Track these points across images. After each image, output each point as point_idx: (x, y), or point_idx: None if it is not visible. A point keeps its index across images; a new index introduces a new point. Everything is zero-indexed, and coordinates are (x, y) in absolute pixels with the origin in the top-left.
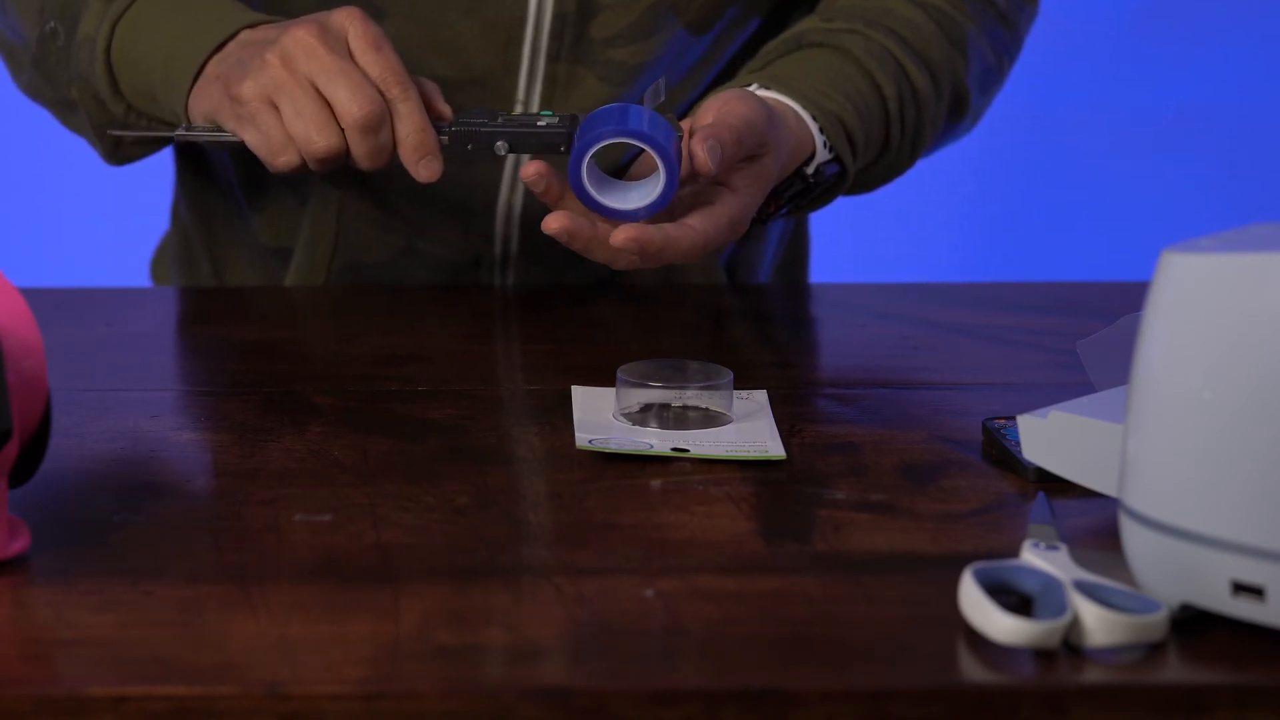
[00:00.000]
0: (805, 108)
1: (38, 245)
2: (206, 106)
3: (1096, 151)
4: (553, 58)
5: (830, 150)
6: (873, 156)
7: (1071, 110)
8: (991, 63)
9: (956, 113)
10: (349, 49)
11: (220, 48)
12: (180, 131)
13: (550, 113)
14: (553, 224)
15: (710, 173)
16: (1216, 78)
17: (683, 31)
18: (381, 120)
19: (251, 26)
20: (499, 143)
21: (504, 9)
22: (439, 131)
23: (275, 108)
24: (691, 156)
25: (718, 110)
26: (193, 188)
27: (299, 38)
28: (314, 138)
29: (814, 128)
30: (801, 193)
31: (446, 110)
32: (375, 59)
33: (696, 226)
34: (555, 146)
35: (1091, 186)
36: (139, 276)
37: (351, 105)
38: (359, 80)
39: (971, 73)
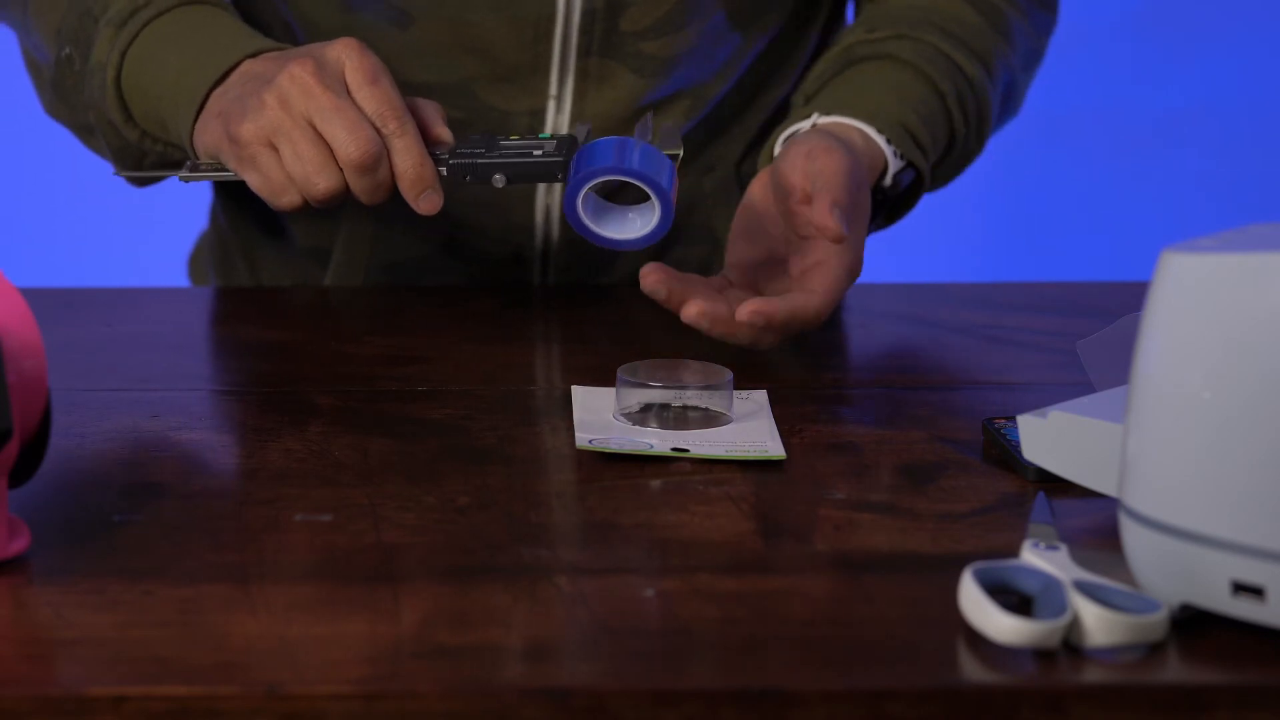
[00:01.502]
0: (869, 123)
1: (40, 245)
2: (209, 143)
3: (1097, 151)
4: (583, 53)
5: (901, 158)
6: (941, 152)
7: (1072, 111)
8: (1035, 44)
9: (1010, 97)
10: (346, 83)
11: (223, 79)
12: (185, 171)
13: (548, 135)
14: (691, 310)
15: (842, 239)
16: (1216, 78)
17: (712, 24)
18: (379, 158)
19: (254, 55)
20: (497, 175)
21: (532, 6)
22: (438, 161)
23: (275, 148)
24: (819, 227)
25: (806, 165)
26: (229, 189)
27: (295, 75)
28: (314, 179)
29: (881, 140)
30: (880, 203)
31: (446, 135)
32: (371, 94)
33: (818, 290)
34: (552, 176)
35: (1092, 186)
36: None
37: (349, 145)
38: (355, 119)
39: (1019, 58)
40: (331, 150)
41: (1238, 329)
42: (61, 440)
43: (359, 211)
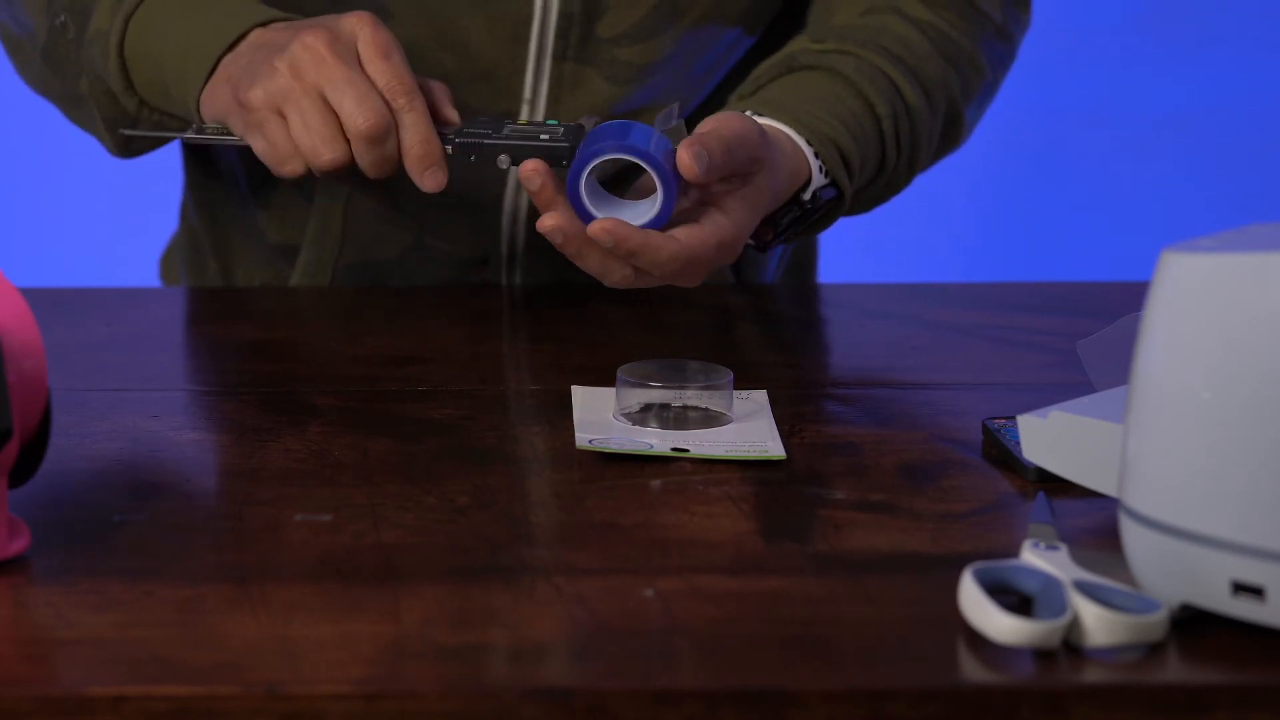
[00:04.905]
0: (799, 132)
1: (38, 245)
2: (217, 109)
3: (1096, 152)
4: (559, 57)
5: (826, 175)
6: (869, 177)
7: (1072, 111)
8: (988, 78)
9: (951, 129)
10: (358, 56)
11: (233, 46)
12: (190, 134)
13: (555, 122)
14: (546, 222)
15: (697, 178)
16: (1216, 79)
17: (687, 33)
18: (387, 131)
19: (264, 25)
20: (502, 156)
21: (509, 6)
22: (444, 140)
23: (283, 116)
24: (679, 165)
25: (711, 125)
26: (201, 187)
27: (308, 44)
28: (320, 149)
29: (809, 152)
30: (798, 219)
31: (453, 115)
32: (383, 68)
33: (680, 238)
34: (558, 160)
35: (1091, 186)
36: (148, 276)
37: (357, 116)
38: (365, 90)
39: (967, 90)
40: (340, 122)
41: (1238, 329)
42: (61, 440)
43: (328, 208)
